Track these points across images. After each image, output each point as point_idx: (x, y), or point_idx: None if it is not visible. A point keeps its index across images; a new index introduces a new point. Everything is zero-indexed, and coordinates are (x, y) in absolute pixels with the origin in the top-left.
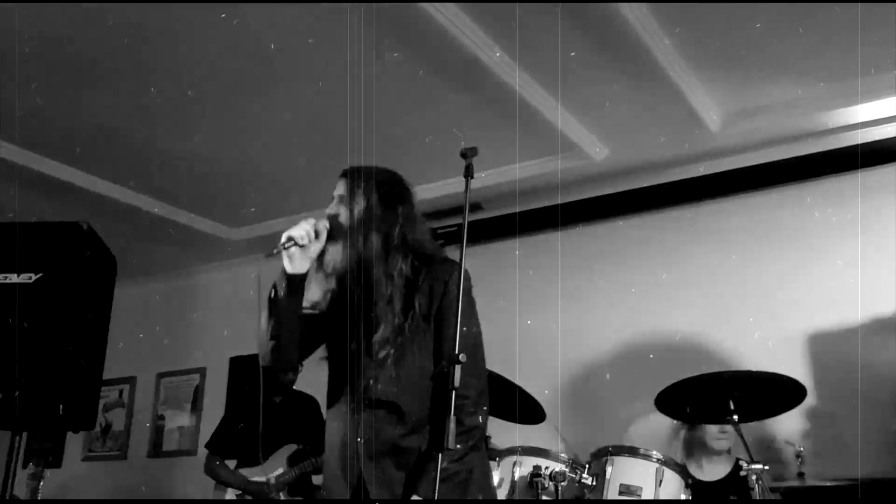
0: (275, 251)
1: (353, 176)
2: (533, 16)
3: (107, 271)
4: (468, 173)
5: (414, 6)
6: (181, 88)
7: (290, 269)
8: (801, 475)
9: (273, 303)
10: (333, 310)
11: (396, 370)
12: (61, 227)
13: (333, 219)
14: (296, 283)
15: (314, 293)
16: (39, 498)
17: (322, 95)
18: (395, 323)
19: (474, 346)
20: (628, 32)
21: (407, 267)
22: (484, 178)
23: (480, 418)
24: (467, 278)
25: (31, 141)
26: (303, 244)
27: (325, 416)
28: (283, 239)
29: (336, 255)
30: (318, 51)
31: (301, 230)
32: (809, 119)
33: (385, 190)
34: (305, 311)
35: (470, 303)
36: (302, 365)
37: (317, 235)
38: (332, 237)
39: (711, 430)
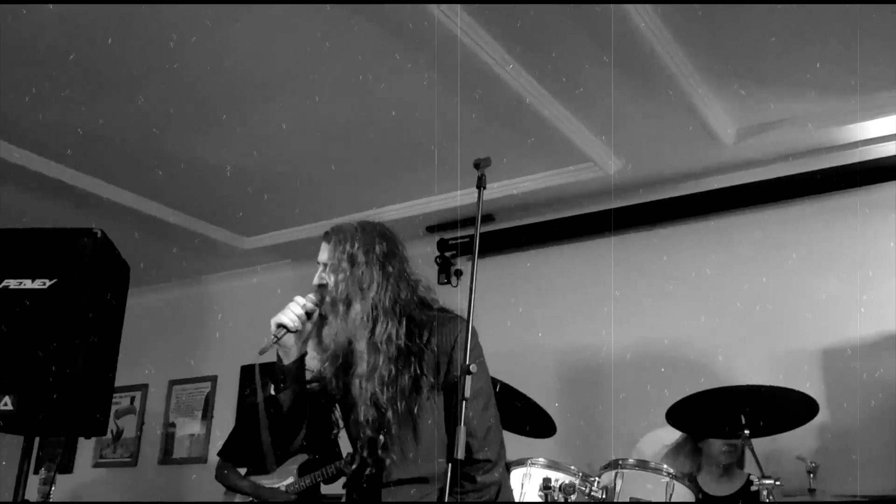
0: (268, 344)
1: (336, 240)
2: (547, 27)
3: (120, 278)
4: (481, 184)
5: (427, 16)
6: (195, 97)
7: (287, 360)
8: (812, 491)
9: (271, 400)
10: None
11: (411, 444)
12: (75, 233)
13: (322, 289)
14: (297, 369)
15: (315, 365)
16: (51, 502)
17: (336, 105)
18: (383, 392)
19: (487, 404)
20: (643, 45)
21: (401, 332)
22: (496, 190)
23: (497, 474)
24: (474, 333)
25: (46, 148)
26: (295, 329)
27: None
28: (274, 328)
29: (332, 329)
30: (333, 60)
31: (290, 315)
32: (823, 134)
33: (368, 249)
34: (310, 388)
35: (481, 360)
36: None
37: (308, 316)
38: (324, 314)
39: (717, 443)
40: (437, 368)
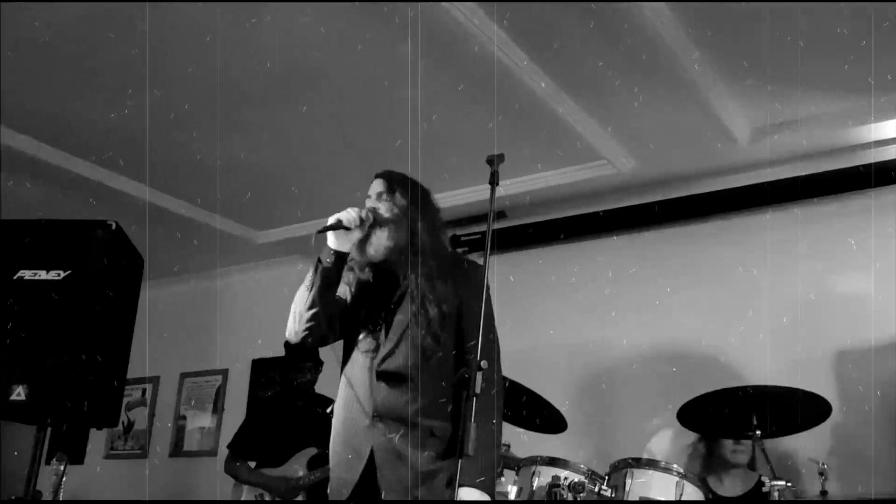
0: (323, 229)
1: (391, 177)
2: (563, 25)
3: (134, 270)
4: (494, 180)
5: (442, 13)
6: (212, 92)
7: (335, 245)
8: (823, 492)
9: (321, 272)
10: (358, 300)
11: (407, 348)
12: (90, 225)
13: (375, 211)
14: (341, 259)
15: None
16: (62, 494)
17: (350, 101)
18: (412, 311)
19: (493, 351)
20: (658, 44)
21: (433, 266)
22: (509, 187)
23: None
24: (487, 286)
25: (62, 141)
26: (350, 227)
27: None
28: (332, 220)
29: (380, 242)
30: (347, 56)
31: (350, 215)
32: (838, 134)
33: (417, 193)
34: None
35: (489, 310)
36: (322, 362)
37: (361, 223)
38: (373, 227)
39: (727, 443)
40: (452, 298)
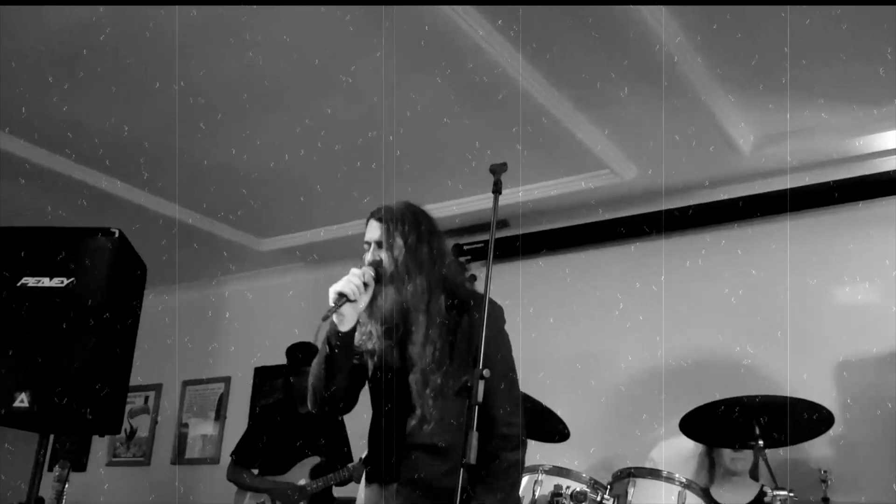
0: (329, 313)
1: (389, 218)
2: (567, 34)
3: (137, 278)
4: (497, 189)
5: (446, 22)
6: (215, 99)
7: (343, 327)
8: (825, 500)
9: (330, 360)
10: (375, 354)
11: (436, 411)
12: (94, 232)
13: (377, 265)
14: (349, 339)
15: (357, 339)
16: (64, 501)
17: (351, 109)
18: (434, 361)
19: (509, 382)
20: (661, 52)
21: (444, 306)
22: (512, 195)
23: (520, 453)
24: (500, 316)
25: (66, 148)
26: (354, 299)
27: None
28: (334, 296)
29: (388, 298)
30: (350, 64)
31: (350, 285)
32: (843, 144)
33: (418, 228)
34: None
35: (504, 339)
36: None
37: (365, 286)
38: (377, 282)
39: (726, 451)
40: (471, 342)
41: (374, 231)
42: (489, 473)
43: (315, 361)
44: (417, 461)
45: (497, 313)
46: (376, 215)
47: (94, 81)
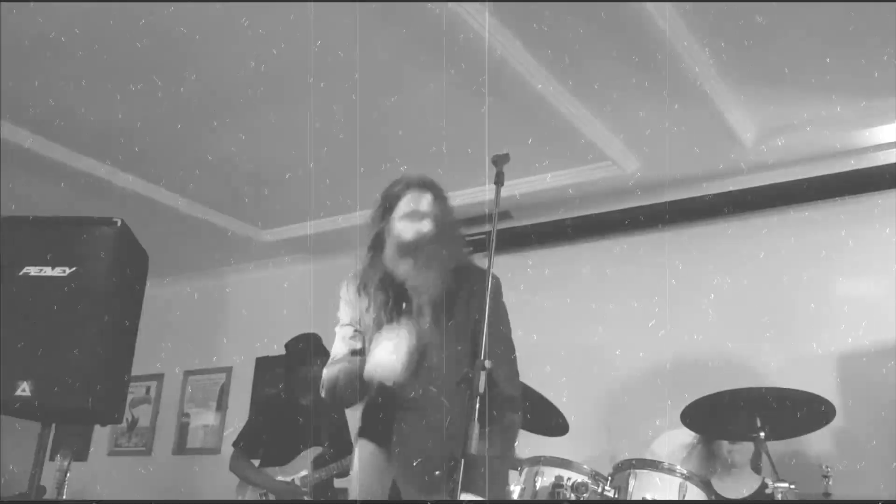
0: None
1: (433, 185)
2: (568, 25)
3: (138, 268)
4: (499, 180)
5: (448, 14)
6: (217, 90)
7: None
8: (827, 494)
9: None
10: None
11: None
12: (96, 222)
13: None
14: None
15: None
16: (66, 490)
17: (352, 99)
18: (428, 328)
19: (509, 346)
20: (664, 45)
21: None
22: (514, 187)
23: (519, 414)
24: (499, 286)
25: (69, 139)
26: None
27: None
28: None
29: (427, 265)
30: (353, 56)
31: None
32: (845, 136)
33: (446, 200)
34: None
35: (502, 308)
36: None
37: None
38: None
39: (724, 442)
40: (468, 310)
41: (424, 202)
42: (491, 431)
43: (343, 372)
44: (411, 424)
45: (496, 284)
46: (425, 186)
47: (96, 73)
